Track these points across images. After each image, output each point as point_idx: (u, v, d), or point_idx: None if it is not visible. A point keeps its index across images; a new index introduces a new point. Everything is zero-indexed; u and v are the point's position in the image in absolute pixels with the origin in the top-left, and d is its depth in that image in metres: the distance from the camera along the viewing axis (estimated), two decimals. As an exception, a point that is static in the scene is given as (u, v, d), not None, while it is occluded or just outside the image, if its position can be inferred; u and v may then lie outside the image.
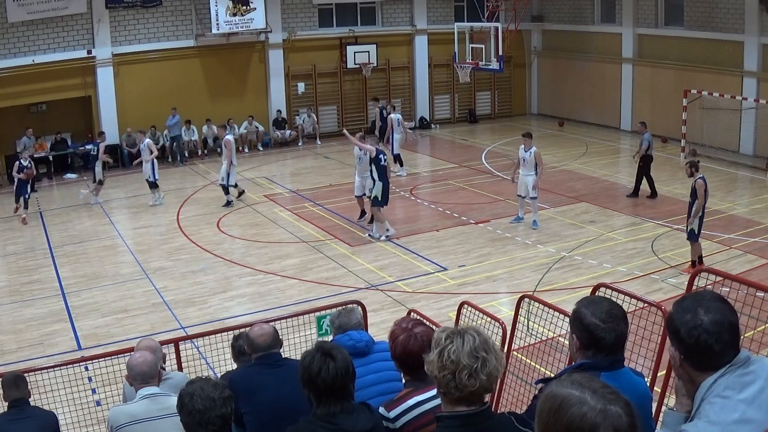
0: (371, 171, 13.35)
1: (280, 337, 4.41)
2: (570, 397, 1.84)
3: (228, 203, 16.52)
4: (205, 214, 16.05)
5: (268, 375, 4.10)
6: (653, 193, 15.95)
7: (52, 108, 20.64)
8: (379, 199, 13.33)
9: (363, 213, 14.77)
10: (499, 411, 5.24)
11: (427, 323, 4.05)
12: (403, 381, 3.58)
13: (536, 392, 3.05)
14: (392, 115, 19.21)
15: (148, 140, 17.16)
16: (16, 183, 15.99)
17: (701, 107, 20.18)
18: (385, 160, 13.46)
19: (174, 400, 3.84)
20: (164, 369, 5.03)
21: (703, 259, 11.55)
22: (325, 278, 12.01)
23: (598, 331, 2.83)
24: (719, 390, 2.24)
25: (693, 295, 2.40)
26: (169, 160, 21.44)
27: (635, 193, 16.06)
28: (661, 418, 4.90)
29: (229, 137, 16.64)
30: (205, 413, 2.95)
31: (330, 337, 5.22)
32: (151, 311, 10.91)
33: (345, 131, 15.56)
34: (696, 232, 11.39)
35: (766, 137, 19.35)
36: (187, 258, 13.28)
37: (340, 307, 4.90)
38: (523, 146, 14.05)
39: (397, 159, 18.83)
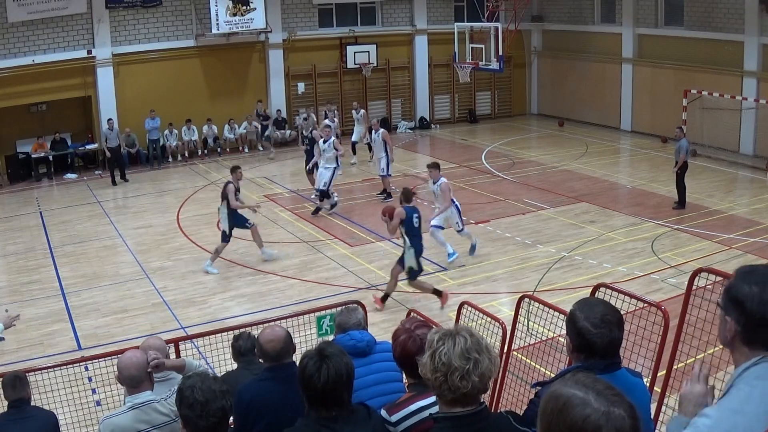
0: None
1: (293, 340, 4.15)
2: (573, 398, 1.84)
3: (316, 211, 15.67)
4: (205, 214, 16.03)
5: (278, 393, 3.86)
6: (682, 202, 15.08)
7: (52, 108, 20.62)
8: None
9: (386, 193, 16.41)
10: (498, 411, 5.23)
11: (433, 326, 4.03)
12: (407, 384, 3.56)
13: (532, 396, 3.03)
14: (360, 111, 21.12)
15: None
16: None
17: (701, 107, 20.20)
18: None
19: (163, 406, 3.81)
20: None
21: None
22: (325, 278, 12.01)
23: (589, 335, 2.82)
24: (750, 378, 2.23)
25: (760, 269, 2.33)
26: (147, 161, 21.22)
27: (682, 204, 15.01)
28: (661, 419, 4.92)
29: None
30: (207, 405, 2.93)
31: (331, 337, 5.22)
32: (151, 311, 10.91)
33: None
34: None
35: (766, 137, 19.35)
36: (187, 258, 13.27)
37: (343, 306, 4.87)
38: (431, 179, 12.41)
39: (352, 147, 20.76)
